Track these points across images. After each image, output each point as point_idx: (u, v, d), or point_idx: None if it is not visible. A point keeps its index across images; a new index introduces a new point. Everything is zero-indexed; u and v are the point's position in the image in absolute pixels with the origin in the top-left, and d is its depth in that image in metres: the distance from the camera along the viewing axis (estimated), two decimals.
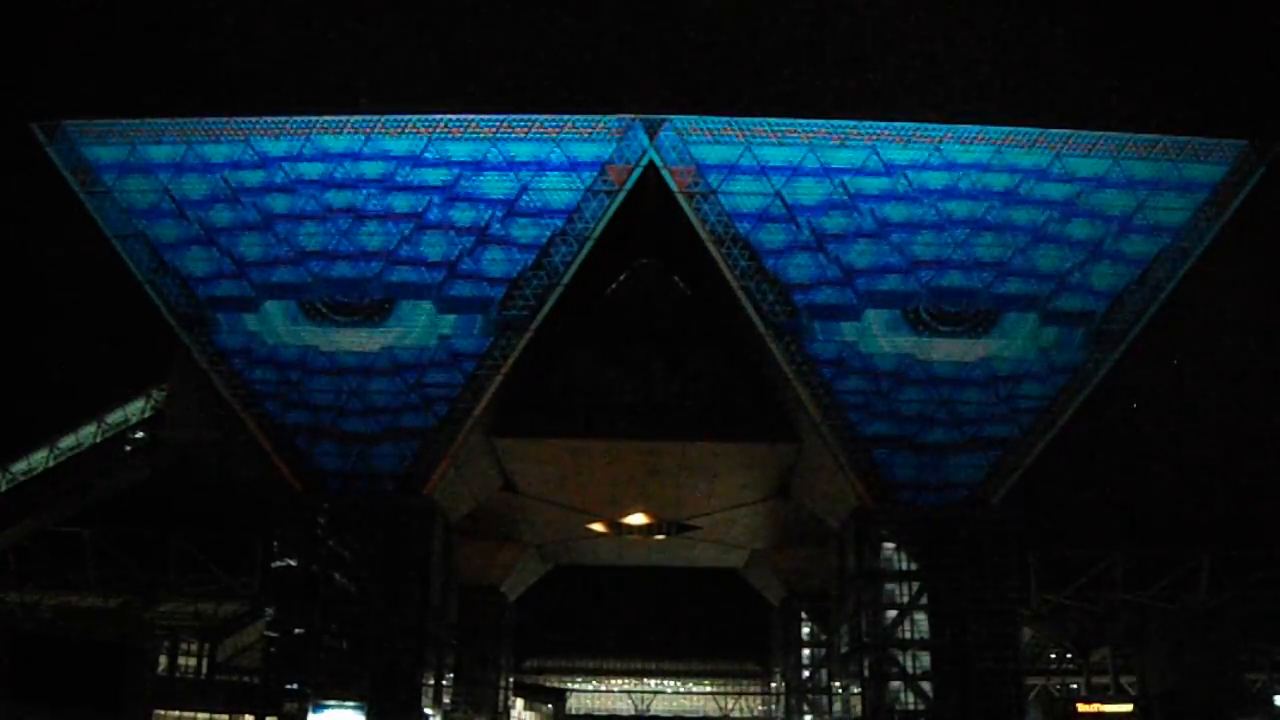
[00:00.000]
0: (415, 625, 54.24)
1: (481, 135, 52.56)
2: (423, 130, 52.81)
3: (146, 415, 61.17)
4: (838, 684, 74.33)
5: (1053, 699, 72.01)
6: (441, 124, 52.72)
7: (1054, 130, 52.78)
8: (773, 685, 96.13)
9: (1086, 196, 52.89)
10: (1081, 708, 60.26)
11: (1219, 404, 62.45)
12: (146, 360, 61.95)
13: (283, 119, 53.10)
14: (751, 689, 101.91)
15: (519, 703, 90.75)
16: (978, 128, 52.91)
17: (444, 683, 59.72)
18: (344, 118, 53.09)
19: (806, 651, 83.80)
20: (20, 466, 60.56)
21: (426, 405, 53.71)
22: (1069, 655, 72.78)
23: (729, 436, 59.38)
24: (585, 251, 52.66)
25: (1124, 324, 53.35)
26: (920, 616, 54.37)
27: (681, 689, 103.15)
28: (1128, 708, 58.57)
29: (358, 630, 53.38)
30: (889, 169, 52.69)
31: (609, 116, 52.41)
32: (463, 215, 53.02)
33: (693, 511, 70.53)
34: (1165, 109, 57.98)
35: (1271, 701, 61.31)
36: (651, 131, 52.15)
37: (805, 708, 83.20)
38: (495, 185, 52.80)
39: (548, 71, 66.28)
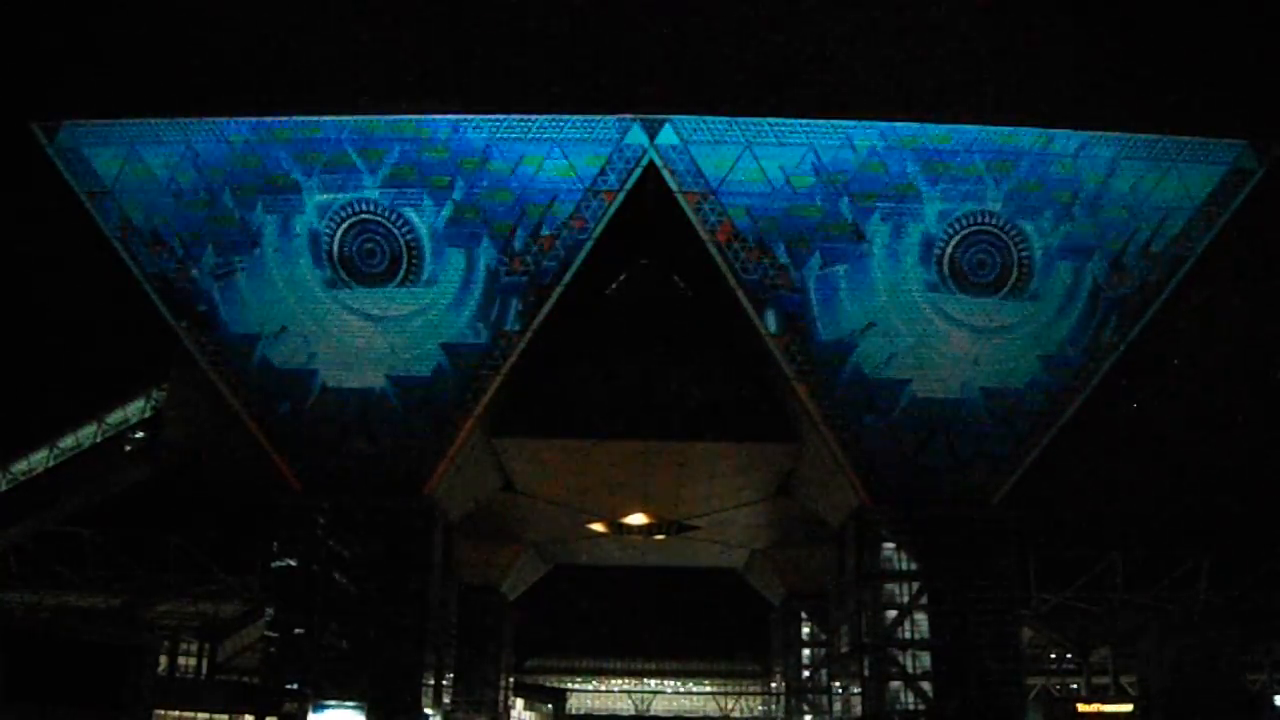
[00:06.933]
0: (415, 625, 54.25)
1: (482, 135, 52.55)
2: (423, 130, 52.82)
3: (146, 415, 61.15)
4: (838, 684, 74.34)
5: (1053, 699, 71.99)
6: (442, 124, 52.67)
7: (1055, 130, 52.78)
8: (773, 685, 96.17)
9: (1086, 196, 52.89)
10: (1081, 708, 60.18)
11: (1219, 404, 62.42)
12: (146, 360, 61.99)
13: (283, 119, 53.12)
14: (751, 689, 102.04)
15: (519, 703, 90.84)
16: (979, 129, 52.91)
17: (444, 683, 59.72)
18: (344, 118, 53.04)
19: (806, 651, 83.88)
20: (20, 466, 60.50)
21: (427, 405, 53.74)
22: (1069, 655, 72.81)
23: (729, 436, 59.36)
24: (585, 251, 52.67)
25: (1123, 324, 53.41)
26: (920, 616, 54.42)
27: (681, 689, 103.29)
28: (1128, 708, 58.51)
29: (358, 630, 53.40)
30: (889, 170, 52.67)
31: (609, 116, 52.39)
32: (462, 215, 53.00)
33: (693, 511, 70.53)
34: (1165, 109, 57.92)
35: (1271, 701, 61.32)
36: (651, 131, 52.12)
37: (805, 708, 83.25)
38: (495, 185, 52.76)
39: (548, 71, 66.15)
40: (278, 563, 53.75)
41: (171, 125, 53.17)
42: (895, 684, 53.89)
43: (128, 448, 60.84)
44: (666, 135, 52.11)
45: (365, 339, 53.74)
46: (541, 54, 68.55)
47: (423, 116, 52.73)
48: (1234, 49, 67.83)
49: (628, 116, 52.26)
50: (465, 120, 52.53)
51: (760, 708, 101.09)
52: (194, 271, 53.81)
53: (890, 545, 55.32)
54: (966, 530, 53.45)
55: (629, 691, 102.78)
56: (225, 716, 50.68)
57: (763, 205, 52.38)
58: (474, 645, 74.41)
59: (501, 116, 52.45)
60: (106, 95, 59.62)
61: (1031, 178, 52.74)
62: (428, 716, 55.76)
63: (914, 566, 54.91)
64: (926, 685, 53.30)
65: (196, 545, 60.90)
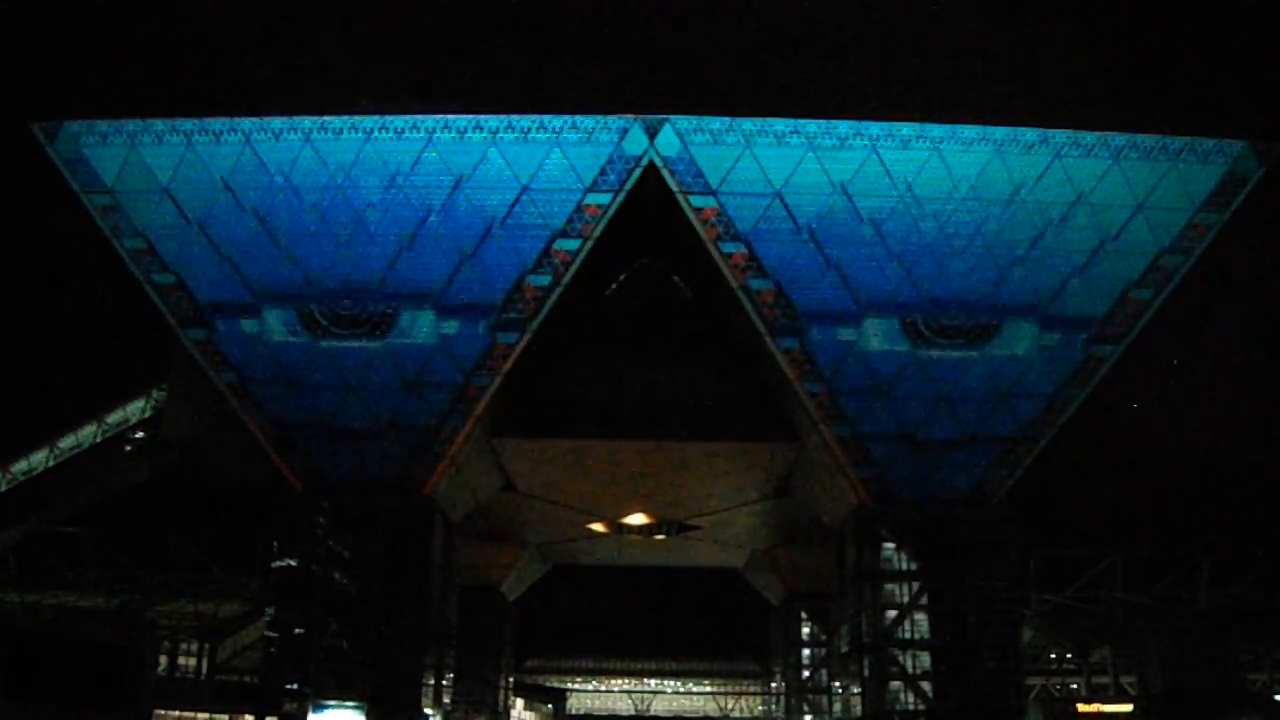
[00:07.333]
0: (415, 625, 54.25)
1: (482, 135, 52.49)
2: (423, 130, 52.76)
3: (146, 415, 61.20)
4: (838, 684, 74.42)
5: (1053, 699, 72.02)
6: (442, 124, 52.64)
7: (1055, 131, 52.63)
8: (773, 685, 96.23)
9: (1087, 197, 52.84)
10: (1081, 708, 60.31)
11: (1218, 404, 62.49)
12: (146, 360, 62.01)
13: (284, 120, 52.89)
14: (751, 689, 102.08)
15: (519, 703, 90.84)
16: (979, 129, 52.77)
17: (444, 683, 59.69)
18: (344, 118, 52.91)
19: (806, 651, 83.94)
20: (20, 466, 60.59)
21: (427, 406, 53.74)
22: (1069, 655, 72.85)
23: (729, 436, 59.38)
24: (585, 251, 52.66)
25: (1124, 324, 53.37)
26: (920, 616, 54.38)
27: (681, 689, 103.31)
28: (1128, 708, 58.62)
29: (358, 630, 53.34)
30: (889, 170, 52.60)
31: (609, 116, 52.34)
32: (463, 216, 52.95)
33: (693, 511, 70.54)
34: (1165, 109, 57.95)
35: (1272, 701, 61.34)
36: (651, 132, 52.07)
37: (805, 708, 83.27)
38: (495, 185, 52.69)
39: (548, 71, 66.25)
40: (278, 563, 53.68)
41: (172, 126, 52.98)
42: (895, 684, 53.85)
43: (128, 448, 60.87)
44: (666, 136, 52.03)
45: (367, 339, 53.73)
46: (541, 54, 68.66)
47: (423, 116, 52.65)
48: (1234, 49, 67.90)
49: (628, 116, 52.20)
50: (465, 120, 52.48)
51: (760, 708, 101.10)
52: (194, 272, 53.70)
53: (890, 545, 55.28)
54: (966, 530, 53.45)
55: (629, 691, 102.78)
56: (225, 716, 50.77)
57: (763, 205, 52.33)
58: (474, 645, 74.36)
59: (501, 116, 52.38)
60: (106, 95, 59.70)
61: (1034, 179, 52.51)
62: (428, 716, 55.74)
63: (914, 566, 54.87)
64: (926, 685, 53.27)
65: (196, 545, 60.81)
